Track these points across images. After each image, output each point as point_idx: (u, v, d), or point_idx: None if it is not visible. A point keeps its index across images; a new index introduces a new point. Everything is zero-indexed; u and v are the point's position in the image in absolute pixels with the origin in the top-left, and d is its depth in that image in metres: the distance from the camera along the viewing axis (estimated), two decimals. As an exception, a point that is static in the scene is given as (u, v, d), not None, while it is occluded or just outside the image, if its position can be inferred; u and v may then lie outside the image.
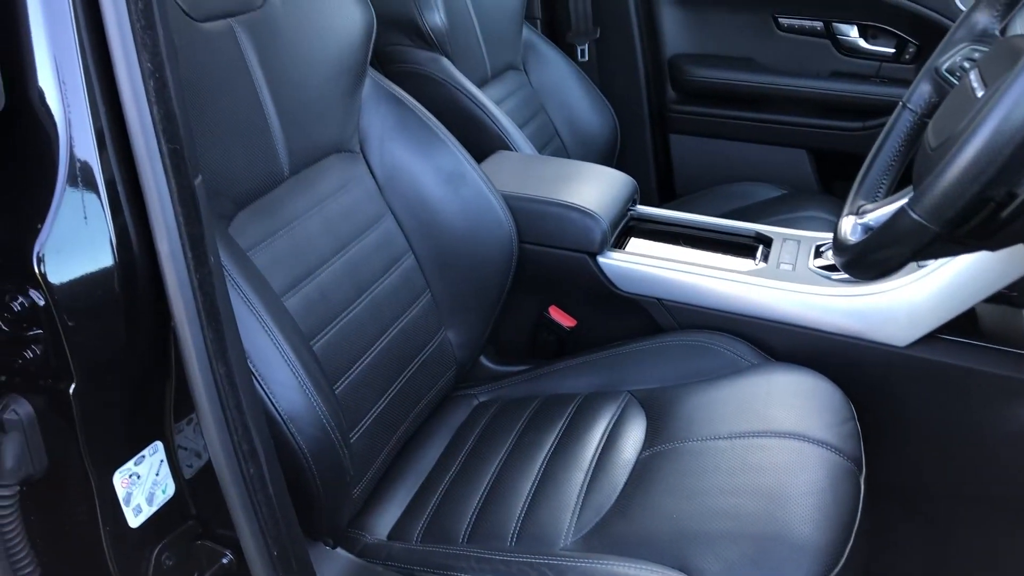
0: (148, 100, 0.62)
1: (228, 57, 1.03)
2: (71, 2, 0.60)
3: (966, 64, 0.99)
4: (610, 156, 2.06)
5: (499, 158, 1.55)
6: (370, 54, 1.26)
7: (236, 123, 1.02)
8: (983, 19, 1.02)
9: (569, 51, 2.09)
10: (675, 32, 2.13)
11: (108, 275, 0.63)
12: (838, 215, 1.01)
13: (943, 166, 0.71)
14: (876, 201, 1.00)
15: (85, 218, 0.62)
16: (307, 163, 1.14)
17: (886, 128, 1.06)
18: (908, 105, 1.04)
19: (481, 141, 1.62)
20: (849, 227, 0.96)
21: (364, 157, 1.26)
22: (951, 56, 1.02)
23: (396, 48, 1.65)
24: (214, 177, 0.98)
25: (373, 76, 1.28)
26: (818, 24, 2.01)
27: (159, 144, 0.63)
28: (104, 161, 0.63)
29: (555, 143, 1.98)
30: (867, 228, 0.94)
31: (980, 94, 0.81)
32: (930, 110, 1.03)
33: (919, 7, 1.85)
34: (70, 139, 0.61)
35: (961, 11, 1.09)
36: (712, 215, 1.53)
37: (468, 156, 1.31)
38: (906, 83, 1.74)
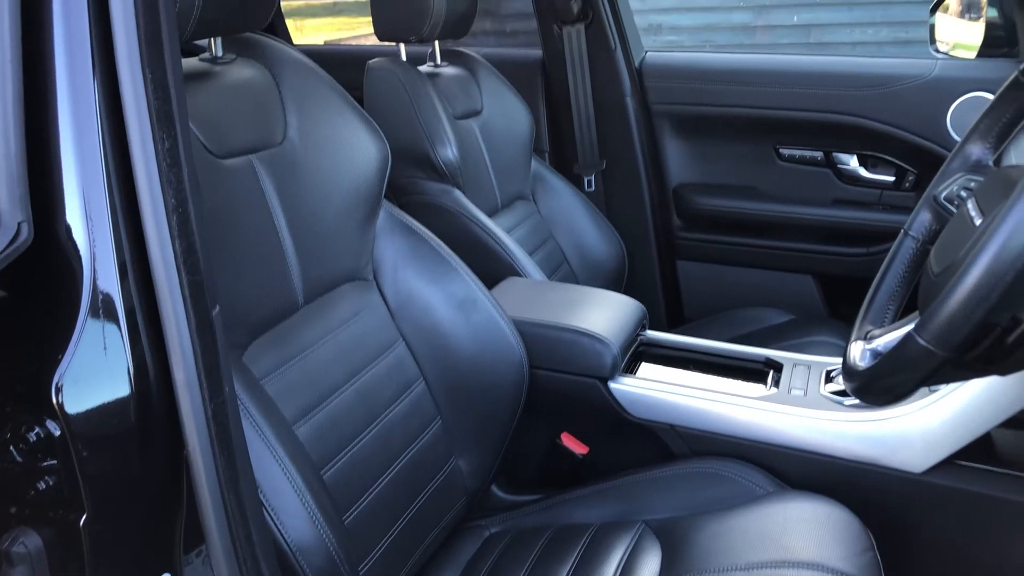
0: (171, 234, 0.64)
1: (248, 191, 1.07)
2: (101, 141, 0.63)
3: (963, 193, 1.02)
4: (618, 282, 2.09)
5: (509, 284, 1.57)
6: (385, 186, 1.30)
7: (254, 254, 1.06)
8: (977, 150, 1.06)
9: (576, 181, 2.15)
10: (679, 162, 2.20)
11: (125, 404, 0.64)
12: (846, 340, 1.02)
13: (947, 292, 0.72)
14: (884, 326, 1.01)
15: (104, 348, 0.63)
16: (321, 292, 1.17)
17: (889, 255, 1.08)
18: (910, 232, 1.07)
19: (492, 268, 1.65)
20: (858, 353, 0.96)
21: (377, 285, 1.29)
22: (948, 185, 1.05)
23: (410, 180, 1.70)
24: (231, 307, 1.00)
25: (387, 207, 1.32)
26: (818, 154, 2.07)
27: (180, 276, 0.65)
28: (125, 292, 0.64)
29: (564, 269, 2.01)
30: (876, 353, 0.94)
31: (978, 222, 0.83)
32: (931, 237, 1.05)
33: (915, 137, 1.92)
34: (93, 272, 0.63)
35: (956, 141, 1.13)
36: (721, 340, 1.54)
37: (479, 283, 1.34)
38: (907, 210, 1.78)
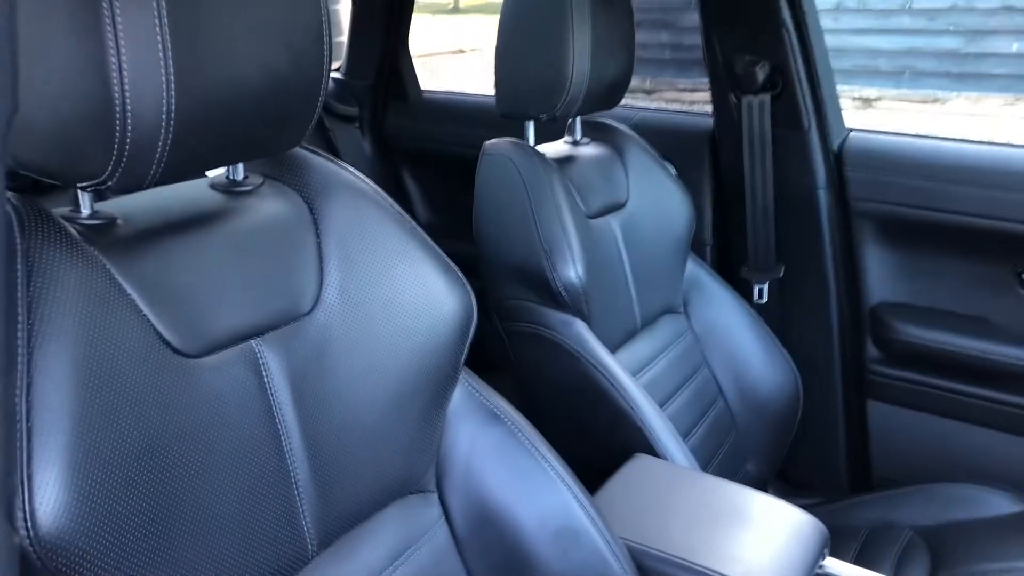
0: None
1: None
2: None
3: None
4: (788, 426, 1.63)
5: (635, 470, 1.16)
6: (464, 355, 0.92)
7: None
8: None
9: (744, 290, 1.70)
10: (881, 276, 1.70)
11: None
12: None
13: None
14: None
15: None
16: (338, 535, 0.80)
17: None
18: None
19: (617, 433, 1.25)
20: None
21: (441, 499, 0.91)
22: None
23: (517, 304, 1.31)
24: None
25: (466, 380, 0.94)
26: (1080, 287, 1.53)
27: None
28: None
29: (718, 406, 1.57)
30: None
31: None
32: None
33: None
34: None
35: None
36: (922, 522, 1.43)
37: (585, 498, 0.94)
38: None
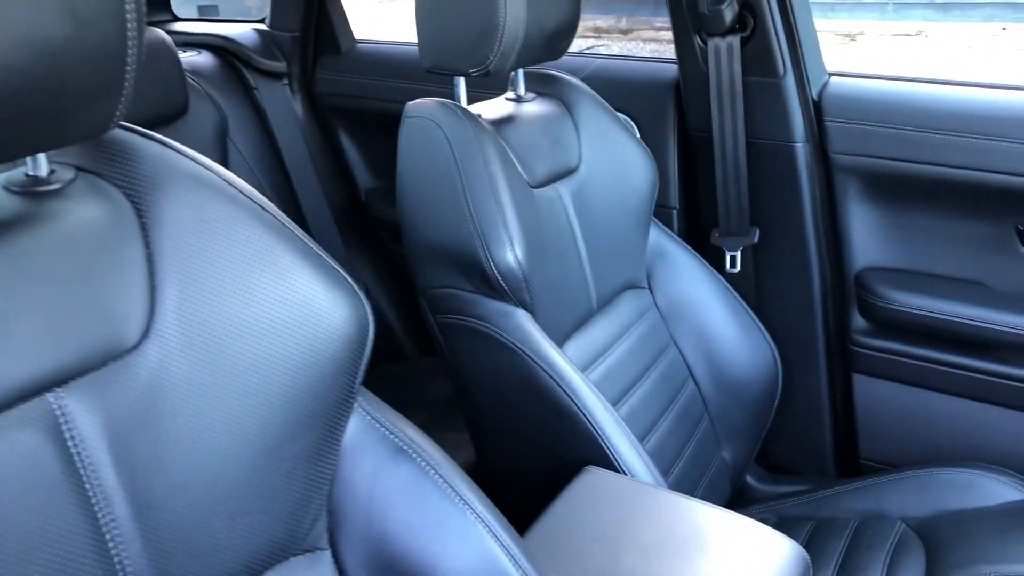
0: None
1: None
2: None
3: None
4: (767, 407, 1.47)
5: (584, 488, 0.99)
6: (360, 378, 0.75)
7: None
8: None
9: (715, 259, 1.53)
10: (867, 239, 1.53)
11: None
12: None
13: None
14: None
15: None
16: None
17: None
18: None
19: (564, 440, 1.08)
20: None
21: (335, 556, 0.74)
22: None
23: (448, 292, 1.13)
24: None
25: (364, 408, 0.77)
26: (1089, 245, 1.36)
27: None
28: None
29: (688, 390, 1.41)
30: None
31: None
32: None
33: None
34: None
35: None
36: (917, 515, 1.29)
37: (513, 543, 0.77)
38: None
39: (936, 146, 1.40)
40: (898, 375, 1.52)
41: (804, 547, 1.31)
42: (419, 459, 0.76)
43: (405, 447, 0.76)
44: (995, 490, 1.31)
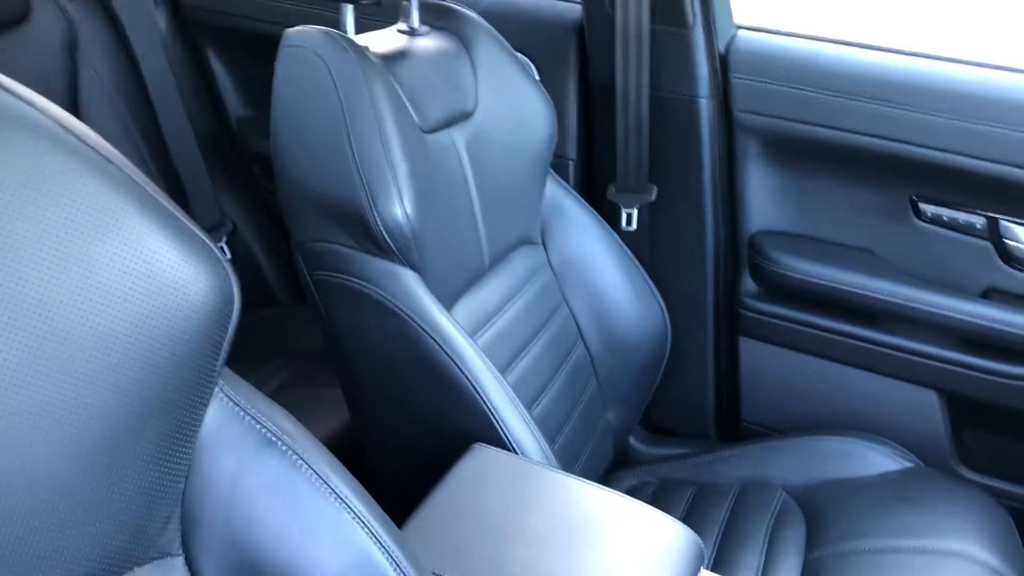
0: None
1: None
2: None
3: None
4: (654, 369, 1.43)
5: (471, 468, 0.92)
6: (223, 358, 0.64)
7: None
8: None
9: (610, 215, 1.46)
10: (764, 201, 1.50)
11: None
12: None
13: None
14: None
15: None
16: None
17: None
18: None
19: (452, 413, 1.00)
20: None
21: (188, 564, 0.64)
22: None
23: (327, 248, 1.02)
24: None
25: (226, 394, 0.66)
26: (978, 220, 1.37)
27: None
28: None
29: (577, 352, 1.35)
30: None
31: None
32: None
33: None
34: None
35: None
36: (795, 484, 1.29)
37: (392, 541, 0.69)
38: None
39: (839, 110, 1.36)
40: (784, 340, 1.51)
41: (686, 515, 1.30)
42: (289, 452, 0.66)
43: (273, 438, 0.66)
44: (874, 460, 1.32)
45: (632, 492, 1.39)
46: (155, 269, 0.58)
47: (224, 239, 1.79)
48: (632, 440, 1.57)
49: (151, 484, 0.60)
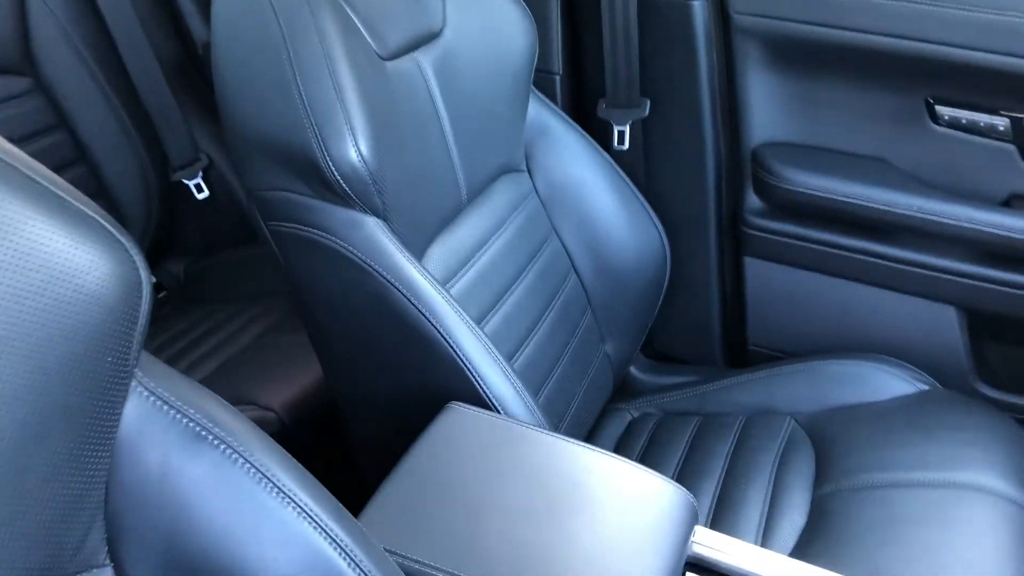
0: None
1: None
2: None
3: None
4: (654, 296, 1.36)
5: (446, 430, 0.85)
6: (137, 350, 0.57)
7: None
8: None
9: (601, 134, 1.36)
10: (767, 110, 1.38)
11: None
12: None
13: None
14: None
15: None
16: None
17: None
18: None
19: (425, 369, 0.93)
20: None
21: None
22: None
23: (280, 196, 0.93)
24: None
25: (145, 386, 0.59)
26: (1001, 121, 1.25)
27: None
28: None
29: (570, 284, 1.28)
30: None
31: None
32: None
33: None
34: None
35: None
36: (805, 409, 1.24)
37: (346, 534, 0.63)
38: None
39: (847, 7, 1.24)
40: (791, 259, 1.42)
41: (689, 449, 1.24)
42: (222, 445, 0.60)
43: (203, 431, 0.60)
44: (888, 383, 1.25)
45: (633, 424, 1.33)
46: (41, 259, 0.50)
47: (200, 175, 1.71)
48: (633, 369, 1.50)
49: (63, 496, 0.54)
